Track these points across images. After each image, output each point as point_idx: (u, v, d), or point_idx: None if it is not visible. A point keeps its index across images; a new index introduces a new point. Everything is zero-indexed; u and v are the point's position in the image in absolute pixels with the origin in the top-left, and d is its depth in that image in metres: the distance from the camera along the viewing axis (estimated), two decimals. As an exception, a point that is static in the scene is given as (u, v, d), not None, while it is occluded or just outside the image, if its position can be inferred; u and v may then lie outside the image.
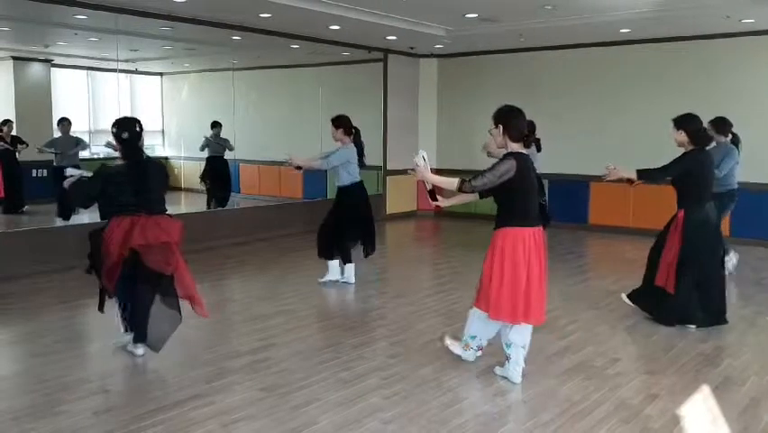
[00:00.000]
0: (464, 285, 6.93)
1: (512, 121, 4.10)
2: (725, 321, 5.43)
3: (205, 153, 10.74)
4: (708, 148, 5.52)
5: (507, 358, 4.24)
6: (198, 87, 12.81)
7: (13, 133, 9.54)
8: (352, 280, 6.82)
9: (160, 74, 12.71)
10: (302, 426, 3.57)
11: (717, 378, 4.33)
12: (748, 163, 9.05)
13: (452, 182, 4.12)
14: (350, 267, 6.83)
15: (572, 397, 4.00)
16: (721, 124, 6.95)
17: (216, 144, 10.67)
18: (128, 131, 4.49)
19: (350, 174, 6.56)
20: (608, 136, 9.98)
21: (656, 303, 5.50)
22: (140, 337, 4.59)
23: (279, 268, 7.77)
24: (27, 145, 9.51)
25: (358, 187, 6.63)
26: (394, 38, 9.85)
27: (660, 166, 5.39)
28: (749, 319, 5.69)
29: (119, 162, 4.56)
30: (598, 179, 9.65)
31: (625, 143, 9.67)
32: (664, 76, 9.65)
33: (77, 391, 4.04)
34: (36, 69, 10.38)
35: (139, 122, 4.60)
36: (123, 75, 10.76)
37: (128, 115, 5.79)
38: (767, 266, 8.00)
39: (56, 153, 9.24)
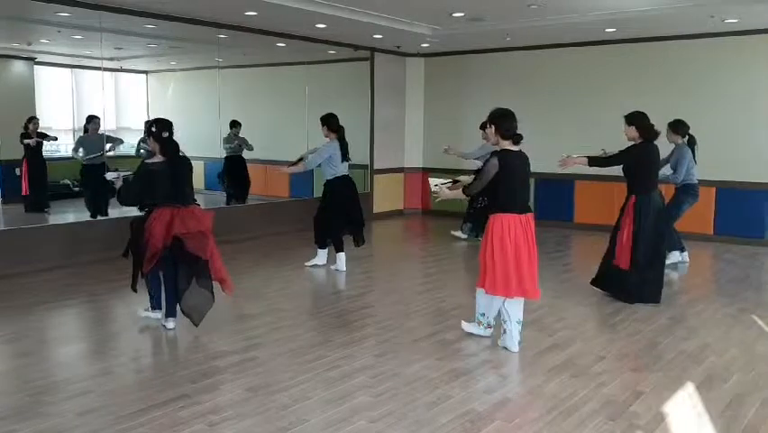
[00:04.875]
0: (452, 283, 6.95)
1: (502, 122, 4.68)
2: (658, 301, 6.04)
3: (194, 152, 10.68)
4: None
5: (504, 331, 4.81)
6: (184, 85, 12.74)
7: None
8: (343, 268, 7.35)
9: (146, 72, 12.62)
10: (290, 425, 3.56)
11: (702, 375, 4.37)
12: (733, 163, 9.18)
13: (459, 193, 4.98)
14: (341, 255, 7.38)
15: (559, 394, 4.02)
16: (677, 126, 7.53)
17: (237, 144, 10.80)
18: (168, 130, 5.06)
19: (332, 169, 7.13)
20: (593, 135, 9.99)
21: (616, 283, 6.13)
22: (171, 313, 5.16)
23: (267, 267, 7.75)
24: (56, 139, 9.57)
25: (341, 180, 7.19)
26: (380, 37, 9.84)
27: (610, 155, 6.24)
28: (734, 317, 5.75)
29: (156, 159, 5.05)
30: (584, 177, 9.86)
31: (610, 142, 9.68)
32: (650, 75, 9.71)
33: (62, 392, 4.01)
34: (19, 67, 10.26)
35: (172, 123, 5.16)
36: (107, 73, 10.68)
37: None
38: (752, 264, 8.07)
39: (88, 153, 9.14)
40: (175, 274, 4.97)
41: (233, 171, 10.92)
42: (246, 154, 11.03)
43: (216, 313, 5.66)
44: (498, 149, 4.71)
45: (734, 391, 4.11)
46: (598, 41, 9.89)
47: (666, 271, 7.54)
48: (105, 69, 9.40)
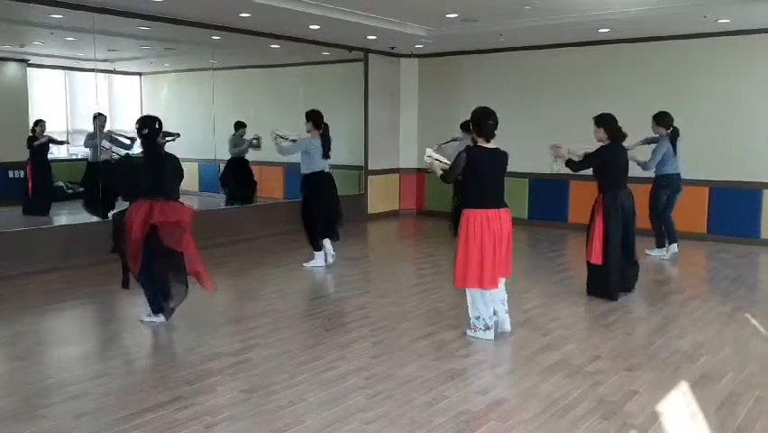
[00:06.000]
0: (447, 284, 6.94)
1: (475, 121, 4.96)
2: (633, 289, 6.37)
3: (191, 154, 10.66)
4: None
5: (495, 313, 5.05)
6: (178, 87, 12.72)
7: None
8: (332, 252, 7.54)
9: (139, 74, 12.59)
10: (285, 426, 3.57)
11: (696, 374, 4.39)
12: (726, 162, 9.21)
13: (438, 174, 5.20)
14: (326, 242, 7.48)
15: (553, 394, 4.04)
16: (662, 118, 7.89)
17: (246, 147, 10.79)
18: (147, 127, 5.15)
19: (308, 163, 7.24)
20: (586, 135, 10.01)
21: (596, 282, 6.23)
22: (158, 308, 5.28)
23: (262, 269, 7.75)
24: (65, 142, 9.78)
25: (317, 176, 7.26)
26: (374, 38, 9.85)
27: (582, 159, 6.35)
28: (728, 315, 5.77)
29: (140, 154, 5.24)
30: (578, 178, 9.85)
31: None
32: (643, 75, 9.73)
33: (58, 395, 4.01)
34: (12, 68, 10.22)
35: (158, 120, 5.22)
36: (101, 75, 10.65)
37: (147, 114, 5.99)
38: (745, 263, 8.11)
39: (96, 150, 9.14)
40: (155, 269, 5.12)
41: (239, 174, 10.83)
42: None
43: (212, 315, 5.68)
44: (472, 145, 5.01)
45: (728, 389, 4.14)
46: (591, 41, 9.91)
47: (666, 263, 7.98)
48: (99, 71, 9.38)
